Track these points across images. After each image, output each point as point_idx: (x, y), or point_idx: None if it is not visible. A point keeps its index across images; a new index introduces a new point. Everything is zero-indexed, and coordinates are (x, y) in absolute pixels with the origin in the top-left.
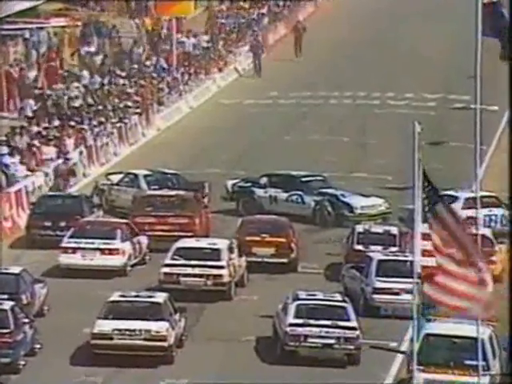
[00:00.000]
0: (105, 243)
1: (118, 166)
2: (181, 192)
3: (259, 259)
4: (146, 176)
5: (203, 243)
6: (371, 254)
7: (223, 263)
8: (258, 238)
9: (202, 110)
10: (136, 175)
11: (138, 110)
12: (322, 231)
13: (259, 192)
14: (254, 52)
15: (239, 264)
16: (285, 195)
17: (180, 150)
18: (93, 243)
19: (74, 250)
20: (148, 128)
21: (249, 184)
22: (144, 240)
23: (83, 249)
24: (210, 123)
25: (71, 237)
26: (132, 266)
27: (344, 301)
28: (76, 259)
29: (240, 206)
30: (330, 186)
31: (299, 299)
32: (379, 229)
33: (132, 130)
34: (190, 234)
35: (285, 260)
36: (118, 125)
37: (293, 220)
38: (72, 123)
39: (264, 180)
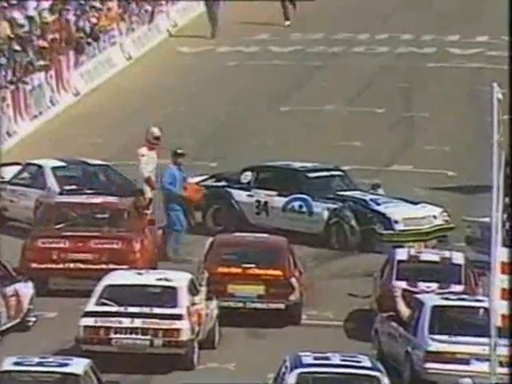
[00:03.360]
0: None
1: (13, 151)
2: (111, 198)
3: (239, 303)
4: (56, 169)
5: (149, 279)
6: (422, 297)
7: (181, 311)
8: (237, 270)
9: (148, 63)
10: (40, 168)
11: (44, 63)
12: (340, 258)
13: (240, 195)
14: None
15: (207, 312)
16: (281, 201)
17: (111, 127)
18: None
19: None
20: (60, 91)
21: (223, 183)
22: (26, 289)
23: None
24: (160, 84)
25: None
26: (1, 332)
27: (376, 369)
28: None
29: (209, 219)
30: (353, 186)
31: (302, 365)
32: (434, 255)
33: (35, 95)
34: (125, 265)
35: (280, 305)
36: (13, 87)
37: (294, 240)
38: None
39: (247, 177)
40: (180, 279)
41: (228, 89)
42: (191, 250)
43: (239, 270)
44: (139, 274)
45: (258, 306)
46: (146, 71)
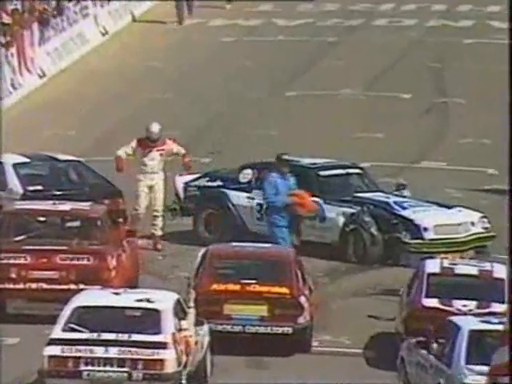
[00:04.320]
0: None
1: None
2: (82, 204)
3: (238, 327)
4: (18, 166)
5: (127, 300)
6: (457, 320)
7: (165, 338)
8: (235, 287)
9: (127, 39)
10: (0, 164)
11: (4, 40)
12: (358, 273)
13: (238, 198)
14: None
15: (196, 339)
16: None
17: (84, 117)
18: None
19: None
20: (23, 73)
21: (218, 183)
22: None
23: None
24: (142, 64)
25: None
26: None
27: None
28: None
29: (200, 225)
30: (374, 186)
31: None
32: (471, 268)
33: None
34: (98, 284)
35: (287, 329)
36: None
37: (304, 251)
38: None
39: (247, 175)
40: (164, 300)
41: (223, 70)
42: (179, 262)
43: (237, 287)
44: (115, 293)
45: (261, 329)
46: (126, 49)
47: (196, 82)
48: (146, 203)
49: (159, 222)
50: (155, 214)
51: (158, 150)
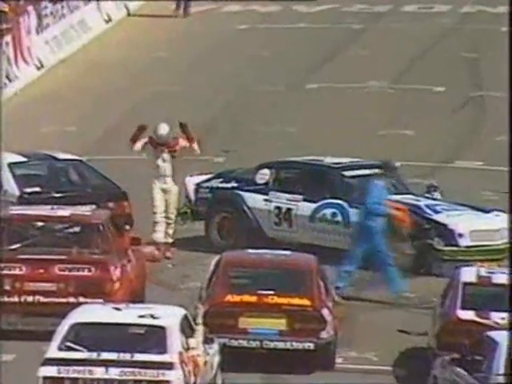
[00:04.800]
0: None
1: None
2: (83, 209)
3: (255, 342)
4: (14, 165)
5: (129, 316)
6: (495, 334)
7: (171, 358)
8: (251, 299)
9: (132, 27)
10: None
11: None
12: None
13: (254, 200)
14: None
15: (205, 359)
16: (309, 207)
17: (86, 112)
18: None
19: None
20: (18, 63)
21: (232, 184)
22: None
23: None
24: (148, 54)
25: None
26: None
27: None
28: None
29: (213, 231)
30: (403, 188)
31: None
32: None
33: None
34: (100, 297)
35: (308, 344)
36: None
37: (325, 259)
38: None
39: (264, 176)
40: (170, 316)
41: (238, 61)
42: (189, 271)
43: (254, 299)
44: (116, 309)
45: (279, 345)
46: (130, 38)
47: (206, 74)
48: (163, 208)
49: (171, 228)
50: (168, 220)
51: (171, 151)
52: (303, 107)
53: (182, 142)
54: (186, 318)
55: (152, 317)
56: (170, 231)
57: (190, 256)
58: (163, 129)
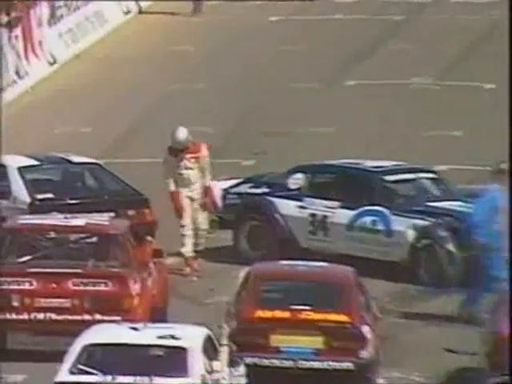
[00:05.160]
0: None
1: None
2: (99, 218)
3: (288, 362)
4: (24, 169)
5: (147, 336)
6: None
7: (193, 381)
8: (284, 314)
9: (153, 19)
10: (3, 168)
11: (7, 18)
12: (432, 298)
13: (287, 207)
14: None
15: (231, 382)
16: (346, 215)
17: (102, 111)
18: None
19: None
20: (29, 58)
21: (263, 189)
22: None
23: None
24: (170, 49)
25: None
26: None
27: None
28: None
29: (242, 240)
30: (451, 194)
31: None
32: None
33: None
34: (118, 315)
35: (347, 364)
36: None
37: (365, 271)
38: None
39: (298, 181)
40: (192, 336)
41: (268, 55)
42: (216, 284)
43: (287, 314)
44: (134, 328)
45: (315, 365)
46: (151, 30)
47: (233, 69)
48: (190, 219)
49: (202, 239)
50: (197, 231)
51: (192, 157)
52: (340, 106)
53: (204, 151)
54: (209, 338)
55: (172, 337)
56: (200, 240)
57: (217, 268)
58: (180, 134)
